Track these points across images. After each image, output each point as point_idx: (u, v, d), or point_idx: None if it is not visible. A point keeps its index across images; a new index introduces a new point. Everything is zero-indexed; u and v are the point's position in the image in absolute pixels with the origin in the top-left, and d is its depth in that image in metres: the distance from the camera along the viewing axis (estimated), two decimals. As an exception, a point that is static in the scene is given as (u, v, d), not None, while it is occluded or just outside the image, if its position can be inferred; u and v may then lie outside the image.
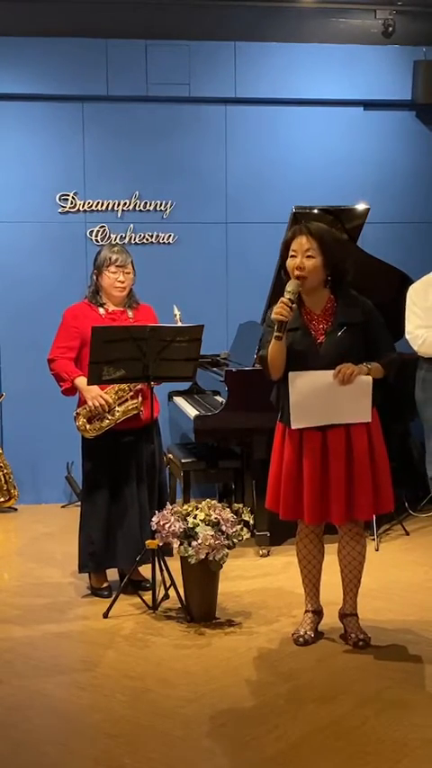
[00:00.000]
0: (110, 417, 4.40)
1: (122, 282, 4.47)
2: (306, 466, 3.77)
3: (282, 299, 3.66)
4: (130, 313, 4.51)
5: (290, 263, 3.73)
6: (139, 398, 4.44)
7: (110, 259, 4.44)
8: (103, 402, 4.37)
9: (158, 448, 4.62)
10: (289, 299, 3.64)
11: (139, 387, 4.43)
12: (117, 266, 4.44)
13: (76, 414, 4.43)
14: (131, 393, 4.43)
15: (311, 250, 3.68)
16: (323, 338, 3.74)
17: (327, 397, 3.68)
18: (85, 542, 4.52)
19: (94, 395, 4.36)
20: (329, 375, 3.67)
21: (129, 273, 4.49)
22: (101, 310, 4.48)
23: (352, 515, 3.80)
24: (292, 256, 3.72)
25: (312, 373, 3.71)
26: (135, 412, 4.42)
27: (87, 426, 4.41)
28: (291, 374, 3.71)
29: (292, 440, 3.80)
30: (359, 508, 3.77)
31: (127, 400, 4.43)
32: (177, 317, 4.58)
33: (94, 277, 4.53)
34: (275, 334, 3.65)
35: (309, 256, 3.69)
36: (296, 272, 3.69)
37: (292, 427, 3.74)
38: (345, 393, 3.67)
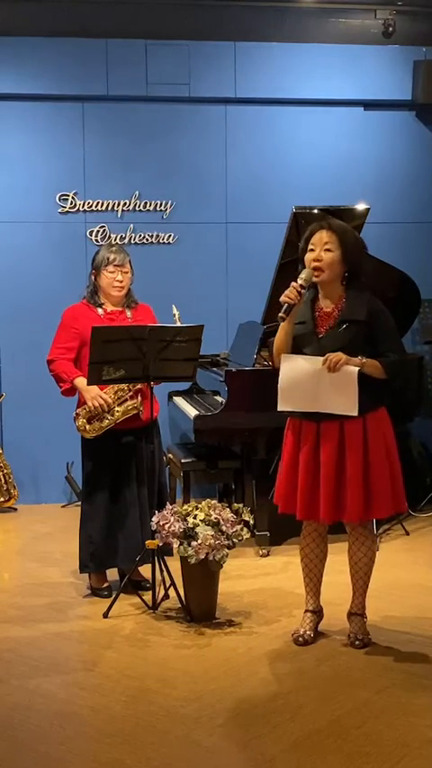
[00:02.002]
0: (109, 417, 4.40)
1: (121, 282, 4.47)
2: (301, 460, 3.79)
3: (293, 283, 3.73)
4: (128, 313, 4.51)
5: (308, 256, 3.77)
6: (139, 398, 4.44)
7: (108, 259, 4.45)
8: (103, 402, 4.37)
9: (158, 448, 4.62)
10: (300, 284, 3.71)
11: (139, 387, 4.44)
12: (115, 266, 4.44)
13: (76, 414, 4.43)
14: (131, 393, 4.43)
15: (330, 244, 3.73)
16: (326, 331, 3.77)
17: (312, 383, 3.70)
18: (86, 542, 4.52)
19: (94, 395, 4.36)
20: (318, 361, 3.70)
21: (127, 273, 4.49)
22: (99, 310, 4.48)
23: (340, 515, 3.79)
24: (311, 250, 3.76)
25: (303, 357, 3.75)
26: (135, 412, 4.42)
27: (87, 426, 4.41)
28: (283, 356, 3.78)
29: (293, 434, 3.85)
30: (347, 509, 3.75)
31: (126, 400, 4.43)
32: (176, 316, 4.58)
33: (93, 277, 4.53)
34: (279, 315, 3.72)
35: (327, 250, 3.73)
36: (313, 264, 3.73)
37: (278, 409, 3.80)
38: (330, 381, 3.68)
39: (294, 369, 3.74)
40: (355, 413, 3.70)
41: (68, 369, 4.44)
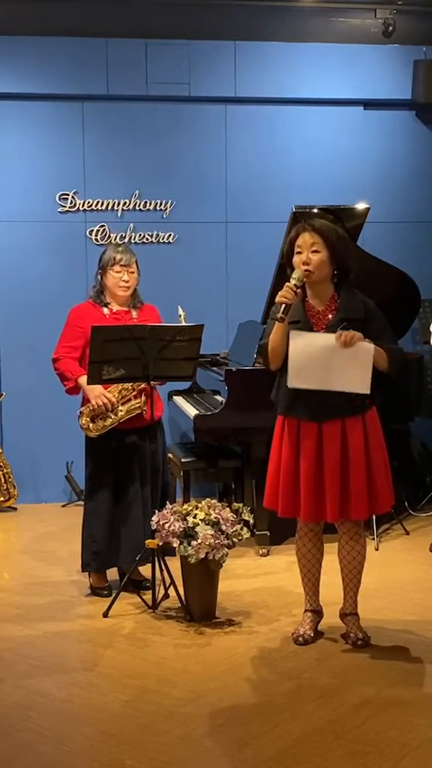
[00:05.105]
0: (113, 416, 4.40)
1: (127, 282, 4.47)
2: (302, 461, 3.78)
3: (287, 284, 3.72)
4: (134, 313, 4.52)
5: (296, 259, 3.77)
6: (143, 398, 4.44)
7: (114, 258, 4.45)
8: (107, 401, 4.37)
9: (161, 447, 4.63)
10: (294, 284, 3.70)
11: (143, 386, 4.44)
12: (121, 266, 4.45)
13: (80, 413, 4.43)
14: (135, 392, 4.44)
15: (317, 245, 3.73)
16: (324, 331, 3.76)
17: (325, 360, 3.66)
18: (89, 541, 4.52)
19: (98, 394, 4.36)
20: (331, 338, 3.68)
21: (133, 273, 4.50)
22: (105, 310, 4.49)
23: (346, 514, 3.80)
24: (298, 253, 3.76)
25: (313, 334, 3.73)
26: (138, 411, 4.42)
27: (90, 425, 4.41)
28: (292, 332, 3.72)
29: (290, 435, 3.82)
30: (353, 507, 3.77)
31: (130, 399, 4.43)
32: (182, 317, 4.59)
33: (99, 277, 4.54)
34: (278, 315, 3.69)
35: (314, 251, 3.73)
36: (302, 267, 3.73)
37: (289, 386, 3.72)
38: (344, 357, 3.65)
39: (307, 345, 3.69)
40: (367, 390, 3.69)
41: (73, 367, 4.45)
